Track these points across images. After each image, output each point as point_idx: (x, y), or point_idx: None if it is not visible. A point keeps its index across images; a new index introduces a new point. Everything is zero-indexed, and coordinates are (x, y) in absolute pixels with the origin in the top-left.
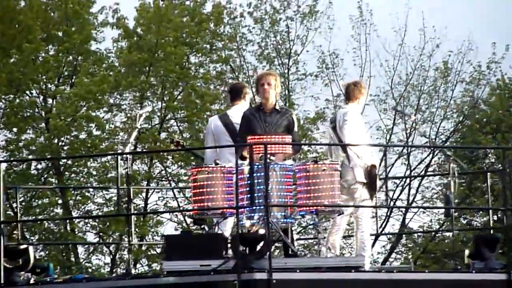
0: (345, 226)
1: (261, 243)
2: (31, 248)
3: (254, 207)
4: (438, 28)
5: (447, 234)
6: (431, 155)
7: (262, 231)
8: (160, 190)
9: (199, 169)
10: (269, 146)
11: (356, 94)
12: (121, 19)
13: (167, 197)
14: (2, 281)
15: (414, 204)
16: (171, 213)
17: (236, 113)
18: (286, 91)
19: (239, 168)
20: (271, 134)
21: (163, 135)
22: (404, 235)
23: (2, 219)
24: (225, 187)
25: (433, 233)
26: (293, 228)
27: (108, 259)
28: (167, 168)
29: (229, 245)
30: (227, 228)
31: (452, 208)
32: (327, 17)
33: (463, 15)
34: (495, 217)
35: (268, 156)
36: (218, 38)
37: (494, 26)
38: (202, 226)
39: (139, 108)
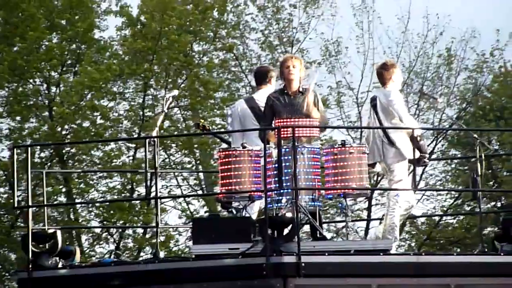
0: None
1: (289, 227)
2: (59, 232)
3: (282, 191)
4: (441, 15)
5: (451, 221)
6: (435, 141)
7: (289, 214)
8: (169, 176)
9: (227, 153)
10: (296, 129)
11: (386, 77)
12: (124, 7)
13: (170, 185)
14: (30, 266)
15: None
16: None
17: (262, 96)
18: None
19: (266, 152)
20: (296, 117)
21: (166, 123)
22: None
23: (30, 204)
24: (252, 170)
25: (451, 216)
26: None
27: (112, 247)
28: (171, 156)
29: (257, 229)
30: (254, 211)
31: (479, 190)
32: (329, 4)
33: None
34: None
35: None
36: (221, 26)
37: (498, 13)
38: (230, 210)
39: (142, 96)
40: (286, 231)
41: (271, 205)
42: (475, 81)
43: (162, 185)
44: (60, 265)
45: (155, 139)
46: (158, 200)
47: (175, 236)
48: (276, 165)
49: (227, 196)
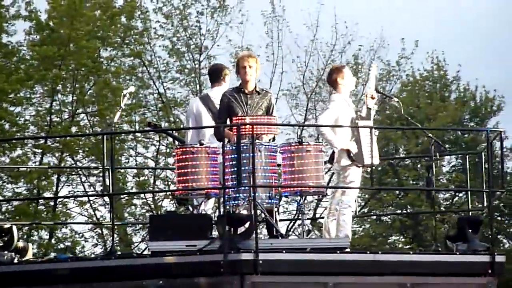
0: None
1: (247, 224)
2: (15, 228)
3: (241, 188)
4: (350, 24)
5: (357, 229)
6: None
7: (245, 212)
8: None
9: (184, 149)
10: (255, 126)
11: (334, 84)
12: (33, 12)
13: (77, 191)
14: None
15: None
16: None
17: (217, 94)
18: (198, 86)
19: (224, 149)
20: (252, 116)
21: (74, 129)
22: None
23: None
24: (209, 167)
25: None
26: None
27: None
28: (77, 162)
29: (214, 226)
30: (207, 208)
31: (434, 190)
32: (238, 11)
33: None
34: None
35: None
36: (129, 33)
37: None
38: (187, 207)
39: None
40: (242, 228)
41: (228, 203)
42: (382, 89)
43: (69, 191)
44: (15, 261)
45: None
46: (113, 197)
47: (81, 243)
48: (233, 163)
49: (184, 193)
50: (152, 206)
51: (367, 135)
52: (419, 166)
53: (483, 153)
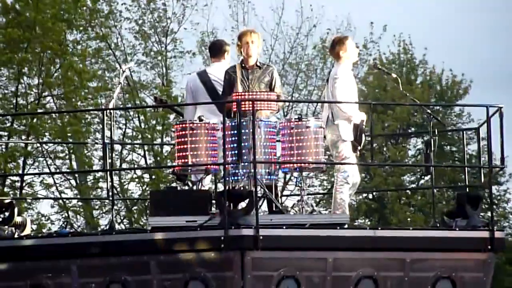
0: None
1: (247, 200)
2: (14, 202)
3: (241, 164)
4: (315, 7)
5: None
6: None
7: (245, 187)
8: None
9: (183, 125)
10: (255, 102)
11: (337, 54)
12: None
13: (43, 174)
14: None
15: None
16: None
17: (215, 70)
18: (164, 69)
19: (222, 125)
20: (254, 91)
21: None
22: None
23: None
24: (209, 143)
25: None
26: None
27: None
28: (43, 145)
29: (213, 202)
30: (205, 184)
31: (432, 166)
32: None
33: None
34: None
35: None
36: (95, 15)
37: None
38: (186, 182)
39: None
40: (242, 204)
41: (224, 178)
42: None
43: (35, 173)
44: (16, 236)
45: (112, 110)
46: (112, 172)
47: (47, 225)
48: (233, 139)
49: (183, 169)
50: (118, 189)
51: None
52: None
53: (480, 129)
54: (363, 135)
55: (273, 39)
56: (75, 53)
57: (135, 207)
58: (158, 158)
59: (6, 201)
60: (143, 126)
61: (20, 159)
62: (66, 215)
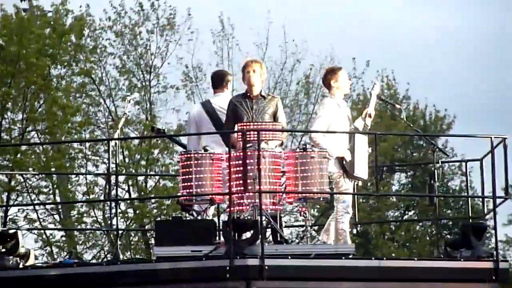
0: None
1: (252, 229)
2: (19, 233)
3: (247, 194)
4: (299, 43)
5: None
6: None
7: (250, 218)
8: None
9: (189, 155)
10: (261, 132)
11: (328, 87)
12: None
13: (27, 209)
14: None
15: None
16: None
17: (219, 100)
18: (148, 104)
19: (227, 155)
20: (258, 121)
21: (24, 147)
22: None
23: None
24: (213, 173)
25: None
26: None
27: None
28: (27, 180)
29: (218, 232)
30: (209, 214)
31: (436, 196)
32: (187, 28)
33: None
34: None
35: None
36: (79, 51)
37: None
38: (191, 213)
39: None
40: (247, 234)
41: (229, 208)
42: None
43: (18, 209)
44: (21, 266)
45: (117, 141)
46: (117, 202)
47: None
48: (238, 169)
49: (188, 199)
50: (103, 224)
51: (361, 148)
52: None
53: (483, 160)
54: (352, 164)
55: None
56: (59, 88)
57: (120, 243)
58: (142, 193)
59: (11, 231)
60: (127, 161)
61: (4, 194)
62: (50, 250)
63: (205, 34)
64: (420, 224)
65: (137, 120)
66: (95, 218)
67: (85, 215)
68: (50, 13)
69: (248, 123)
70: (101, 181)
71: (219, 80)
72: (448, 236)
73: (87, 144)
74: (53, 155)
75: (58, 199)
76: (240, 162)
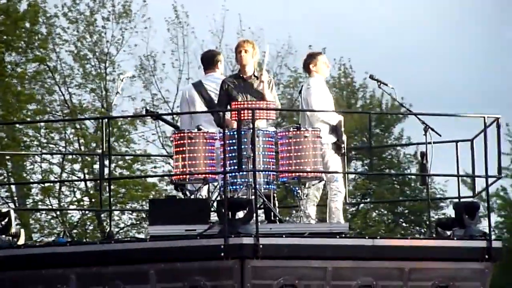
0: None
1: (246, 209)
2: (12, 212)
3: (241, 173)
4: (255, 30)
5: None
6: None
7: (244, 197)
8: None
9: (181, 135)
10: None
11: (308, 68)
12: None
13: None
14: None
15: None
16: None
17: (210, 81)
18: (104, 91)
19: (221, 135)
20: (253, 100)
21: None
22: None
23: None
24: (207, 153)
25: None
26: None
27: None
28: None
29: (212, 211)
30: (202, 194)
31: (428, 175)
32: (142, 16)
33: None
34: None
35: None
36: (34, 37)
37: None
38: (184, 192)
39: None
40: (241, 213)
41: (223, 188)
42: (290, 96)
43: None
44: (14, 245)
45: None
46: (110, 182)
47: None
48: (232, 148)
49: (181, 178)
50: (58, 212)
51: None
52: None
53: (474, 141)
54: (343, 134)
55: None
56: (14, 75)
57: (75, 230)
58: (98, 181)
59: (4, 210)
60: (83, 149)
61: None
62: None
63: (160, 22)
64: (377, 211)
65: (92, 108)
66: (50, 206)
67: (40, 203)
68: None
69: (242, 102)
70: (57, 169)
71: (209, 61)
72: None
73: (42, 132)
74: (7, 144)
75: (13, 187)
76: (234, 141)
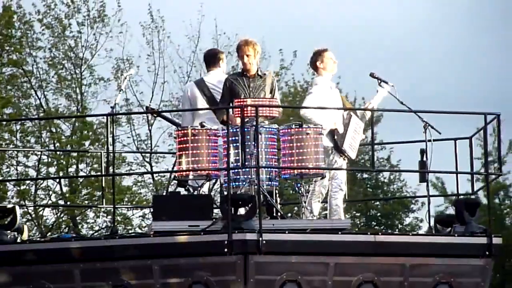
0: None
1: (249, 205)
2: (17, 208)
3: (239, 170)
4: (230, 35)
5: None
6: None
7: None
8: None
9: (185, 131)
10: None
11: (315, 65)
12: None
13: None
14: None
15: None
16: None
17: (212, 78)
18: (79, 96)
19: (223, 132)
20: (254, 98)
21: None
22: None
23: None
24: (210, 149)
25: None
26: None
27: None
28: None
29: (215, 207)
30: (204, 190)
31: (428, 172)
32: (118, 20)
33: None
34: None
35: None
36: (9, 41)
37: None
38: (187, 188)
39: None
40: (242, 210)
41: (227, 184)
42: None
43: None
44: (19, 240)
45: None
46: (114, 178)
47: None
48: (235, 145)
49: (184, 174)
50: (33, 215)
51: (355, 129)
52: None
53: (473, 139)
54: (343, 138)
55: (189, 66)
56: None
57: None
58: (73, 185)
59: (9, 206)
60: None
61: None
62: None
63: (135, 26)
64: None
65: (68, 111)
66: (26, 210)
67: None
68: None
69: (245, 99)
70: (32, 172)
71: (212, 58)
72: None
73: (18, 136)
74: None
75: None
76: (237, 138)
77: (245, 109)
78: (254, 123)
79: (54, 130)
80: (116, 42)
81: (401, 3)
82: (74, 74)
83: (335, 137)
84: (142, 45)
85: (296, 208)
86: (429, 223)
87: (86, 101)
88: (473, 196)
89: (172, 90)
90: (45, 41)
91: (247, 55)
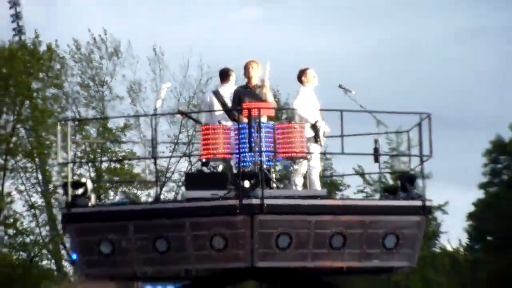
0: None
1: (254, 179)
2: (89, 181)
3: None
4: (212, 65)
5: None
6: None
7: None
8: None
9: (208, 127)
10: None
11: (300, 80)
12: None
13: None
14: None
15: None
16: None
17: (225, 90)
18: (102, 107)
19: (235, 127)
20: (257, 102)
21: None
22: None
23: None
24: (225, 139)
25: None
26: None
27: None
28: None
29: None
30: (220, 169)
31: (380, 154)
32: (129, 54)
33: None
34: None
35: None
36: (51, 71)
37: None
38: (209, 167)
39: None
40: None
41: (238, 164)
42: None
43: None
44: (89, 204)
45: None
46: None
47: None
48: (244, 136)
49: (207, 157)
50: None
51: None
52: None
53: (409, 132)
54: (320, 131)
55: (181, 87)
56: (39, 97)
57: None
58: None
59: (83, 180)
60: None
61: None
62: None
63: (143, 57)
64: None
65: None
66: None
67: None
68: (29, 43)
69: (250, 103)
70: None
71: (224, 75)
72: None
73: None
74: (31, 143)
75: (39, 175)
76: (245, 131)
77: (251, 110)
78: (258, 120)
79: (84, 133)
80: (130, 70)
81: None
82: (98, 93)
83: (315, 129)
84: (148, 72)
85: (286, 181)
86: (382, 192)
87: (106, 113)
88: (412, 172)
89: (169, 104)
90: (77, 70)
91: (252, 67)
